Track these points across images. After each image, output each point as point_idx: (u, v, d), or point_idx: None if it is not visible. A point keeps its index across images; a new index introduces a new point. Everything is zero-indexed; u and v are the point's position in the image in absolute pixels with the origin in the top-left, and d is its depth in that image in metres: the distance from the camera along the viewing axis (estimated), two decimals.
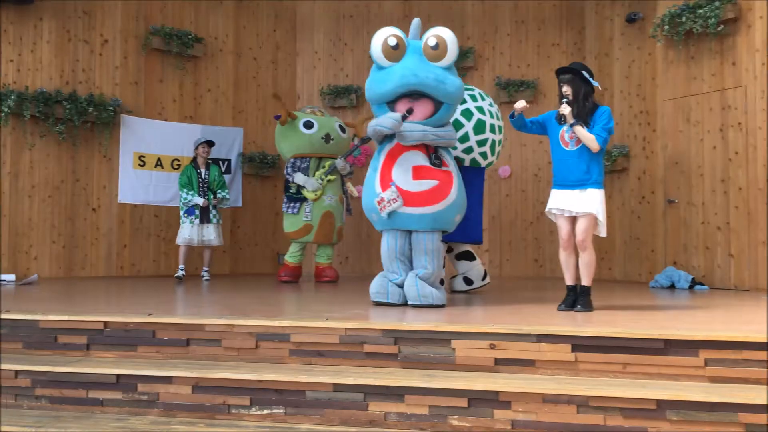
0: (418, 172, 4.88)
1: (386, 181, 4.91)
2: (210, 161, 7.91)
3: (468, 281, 6.34)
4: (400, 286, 4.99)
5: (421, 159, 4.91)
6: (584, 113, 4.72)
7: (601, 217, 4.69)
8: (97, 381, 3.74)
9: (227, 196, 7.89)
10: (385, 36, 4.92)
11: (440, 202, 4.87)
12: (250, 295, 5.79)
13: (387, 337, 3.82)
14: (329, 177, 7.54)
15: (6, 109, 7.46)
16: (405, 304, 4.94)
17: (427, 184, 4.86)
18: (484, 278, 6.39)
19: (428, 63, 4.89)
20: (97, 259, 8.21)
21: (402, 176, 4.88)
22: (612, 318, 4.27)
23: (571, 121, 4.69)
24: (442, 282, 5.35)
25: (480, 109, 6.05)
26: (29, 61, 7.86)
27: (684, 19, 7.27)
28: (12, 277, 7.21)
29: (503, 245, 9.28)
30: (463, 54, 9.29)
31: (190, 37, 8.84)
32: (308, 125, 7.59)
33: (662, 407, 3.27)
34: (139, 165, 8.43)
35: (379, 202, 4.90)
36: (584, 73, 4.75)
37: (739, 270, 6.94)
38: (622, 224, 8.34)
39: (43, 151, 7.89)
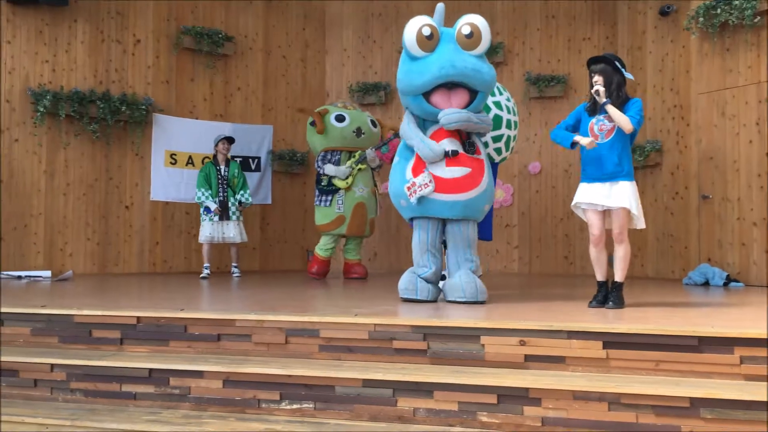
0: (451, 159, 4.84)
1: (420, 167, 4.87)
2: (231, 158, 7.92)
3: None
4: (429, 281, 4.97)
5: (455, 145, 4.87)
6: (617, 104, 4.64)
7: (636, 209, 4.60)
8: (131, 375, 3.80)
9: (249, 200, 7.83)
10: (419, 25, 4.88)
11: (472, 190, 4.83)
12: (279, 291, 5.83)
13: (416, 333, 3.81)
14: (360, 166, 7.53)
15: (42, 109, 7.62)
16: (434, 301, 4.93)
17: (459, 171, 4.81)
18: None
19: (463, 52, 4.85)
20: (130, 256, 8.35)
21: (436, 162, 4.85)
22: (644, 315, 4.21)
23: (604, 99, 4.59)
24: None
25: (498, 104, 5.97)
26: (64, 62, 8.02)
27: (719, 11, 7.12)
28: (48, 273, 7.37)
29: (533, 242, 9.20)
30: (493, 49, 9.20)
31: (220, 36, 8.93)
32: (340, 119, 7.63)
33: (696, 405, 3.21)
34: (171, 163, 8.54)
35: (409, 188, 4.84)
36: (616, 63, 4.68)
37: None
38: (655, 220, 8.20)
39: (78, 149, 8.05)
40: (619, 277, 4.72)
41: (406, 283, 4.98)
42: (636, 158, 8.23)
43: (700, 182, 7.62)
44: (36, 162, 7.79)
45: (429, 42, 4.85)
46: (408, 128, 5.02)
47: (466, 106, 4.91)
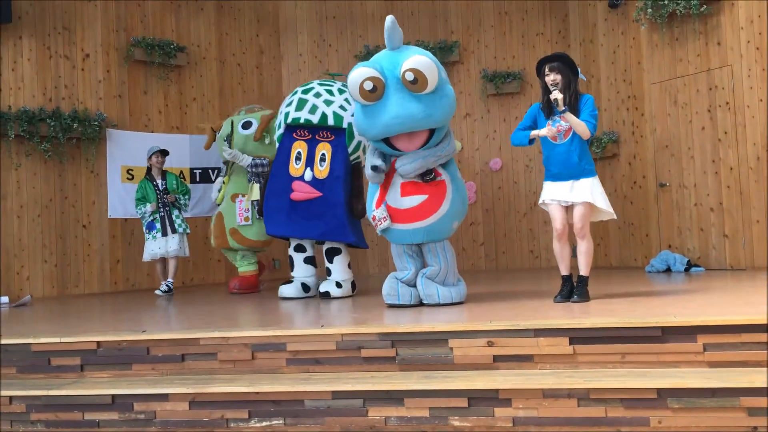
0: (405, 189, 4.83)
1: (381, 198, 4.93)
2: (166, 170, 7.58)
3: (306, 288, 6.23)
4: (410, 284, 4.97)
5: (381, 160, 4.94)
6: (573, 102, 4.69)
7: (601, 202, 4.69)
8: (93, 402, 3.70)
9: (184, 201, 7.47)
10: (360, 80, 4.58)
11: (432, 215, 4.80)
12: (245, 304, 5.75)
13: (384, 341, 3.79)
14: (225, 178, 7.41)
15: None
16: (420, 304, 4.92)
17: (417, 200, 4.79)
18: (308, 291, 6.24)
19: (412, 96, 4.59)
20: (90, 276, 8.16)
21: (392, 194, 4.87)
22: (609, 307, 4.25)
23: (563, 107, 4.63)
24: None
25: (342, 110, 6.05)
26: (11, 80, 7.79)
27: (666, 1, 7.24)
28: (5, 299, 7.15)
29: (498, 238, 9.25)
30: (448, 48, 9.25)
31: (172, 46, 8.77)
32: (246, 125, 7.24)
33: (663, 396, 3.25)
34: (128, 179, 8.36)
35: (372, 219, 4.94)
36: (568, 61, 4.74)
37: (734, 250, 6.93)
38: (615, 210, 8.26)
39: (30, 170, 7.83)
40: (583, 271, 4.79)
41: (387, 288, 4.98)
42: (594, 150, 8.33)
43: (657, 170, 7.74)
44: None
45: (374, 94, 4.61)
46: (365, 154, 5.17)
47: (425, 144, 4.79)
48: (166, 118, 8.87)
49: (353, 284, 6.22)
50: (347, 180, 6.05)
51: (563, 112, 4.63)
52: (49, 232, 7.93)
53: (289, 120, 6.11)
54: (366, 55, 9.38)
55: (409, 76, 4.50)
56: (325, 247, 6.15)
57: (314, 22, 9.88)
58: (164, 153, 7.54)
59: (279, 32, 9.96)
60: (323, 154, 6.02)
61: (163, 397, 3.66)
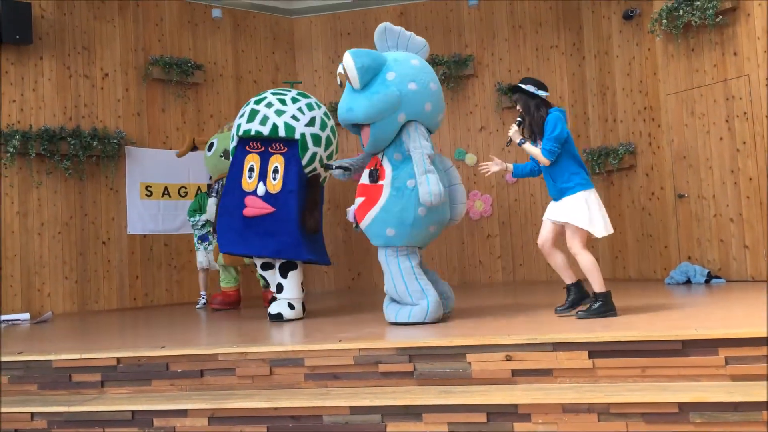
0: (358, 189, 5.06)
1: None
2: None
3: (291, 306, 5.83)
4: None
5: (364, 176, 5.05)
6: (539, 124, 4.71)
7: (580, 220, 4.57)
8: (113, 419, 3.72)
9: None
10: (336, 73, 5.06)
11: (365, 218, 4.90)
12: (262, 320, 5.77)
13: (402, 355, 3.78)
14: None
15: (11, 149, 7.52)
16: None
17: (358, 202, 5.00)
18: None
19: (349, 92, 4.91)
20: (110, 292, 8.23)
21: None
22: (628, 320, 4.21)
23: (518, 140, 4.75)
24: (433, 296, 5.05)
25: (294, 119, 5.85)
26: (32, 100, 7.93)
27: (681, 12, 7.22)
28: (26, 315, 7.23)
29: (515, 250, 9.21)
30: (462, 62, 9.29)
31: (189, 64, 8.89)
32: (209, 147, 7.33)
33: (684, 410, 3.21)
34: (146, 195, 8.46)
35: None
36: (527, 86, 4.73)
37: (755, 261, 6.84)
38: (633, 222, 8.26)
39: (51, 188, 7.94)
40: (594, 287, 4.63)
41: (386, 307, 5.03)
42: (610, 161, 8.30)
43: (675, 181, 7.69)
44: (8, 203, 7.67)
45: (343, 87, 5.11)
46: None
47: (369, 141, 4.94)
48: (183, 136, 8.96)
49: (303, 305, 5.86)
50: (301, 194, 5.71)
51: (521, 144, 4.74)
52: (70, 248, 8.02)
53: (240, 132, 5.78)
54: None
55: (339, 79, 5.05)
56: (278, 261, 5.78)
57: (329, 39, 9.96)
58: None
59: (294, 49, 10.05)
60: (276, 167, 5.70)
61: (183, 413, 3.67)
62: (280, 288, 5.73)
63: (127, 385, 4.00)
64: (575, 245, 4.63)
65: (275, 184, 5.64)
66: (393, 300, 4.96)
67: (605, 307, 4.55)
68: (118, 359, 4.03)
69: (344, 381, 3.81)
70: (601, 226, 4.60)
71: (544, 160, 4.64)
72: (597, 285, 4.61)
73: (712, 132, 7.26)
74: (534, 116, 4.71)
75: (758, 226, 6.81)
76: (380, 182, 4.85)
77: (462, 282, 9.27)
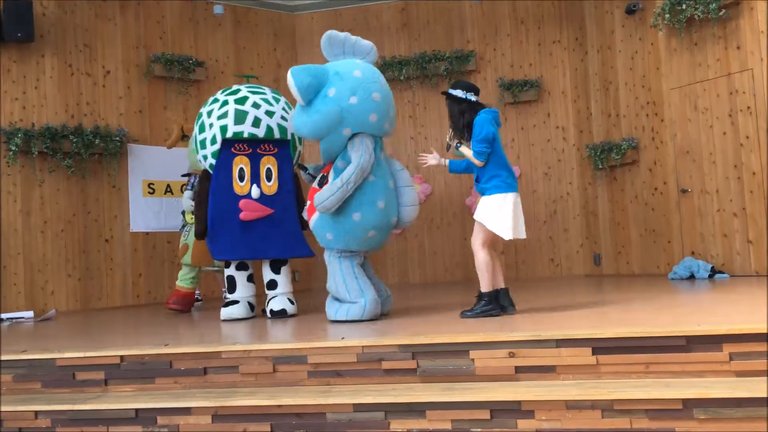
0: (309, 193, 5.20)
1: None
2: None
3: (252, 307, 5.87)
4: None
5: (316, 180, 5.21)
6: (462, 128, 4.80)
7: (488, 222, 4.68)
8: (117, 416, 3.72)
9: None
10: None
11: (310, 221, 5.11)
12: (263, 318, 5.77)
13: (405, 353, 3.77)
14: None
15: (14, 148, 7.52)
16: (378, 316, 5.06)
17: (307, 204, 5.15)
18: (254, 311, 5.91)
19: (301, 109, 4.98)
20: (113, 290, 8.25)
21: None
22: (632, 316, 4.20)
23: (454, 143, 4.82)
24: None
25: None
26: (34, 98, 7.93)
27: (684, 6, 7.19)
28: (30, 314, 7.25)
29: (518, 246, 9.21)
30: (465, 58, 9.27)
31: (191, 61, 8.89)
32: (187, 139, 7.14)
33: (688, 406, 3.20)
34: (149, 192, 8.46)
35: None
36: (455, 91, 4.80)
37: (759, 255, 6.82)
38: (636, 217, 8.24)
39: (53, 186, 7.95)
40: (482, 287, 4.82)
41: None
42: (613, 157, 8.28)
43: (678, 176, 7.67)
44: (11, 201, 7.68)
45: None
46: None
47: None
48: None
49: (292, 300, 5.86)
50: (297, 192, 5.86)
51: (458, 148, 4.81)
52: (73, 246, 8.03)
53: (229, 134, 5.62)
54: (382, 66, 9.42)
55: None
56: (267, 260, 5.76)
57: None
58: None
59: (296, 45, 10.04)
60: (269, 169, 5.70)
61: (186, 411, 3.67)
62: (272, 285, 5.74)
63: (130, 383, 4.01)
64: (476, 242, 4.79)
65: (270, 186, 5.69)
66: (335, 299, 5.09)
67: (488, 306, 4.74)
68: (122, 357, 4.03)
69: (347, 378, 3.81)
70: (509, 229, 4.67)
71: (477, 162, 4.73)
72: (484, 285, 4.78)
73: (716, 126, 7.24)
74: (458, 121, 4.81)
75: (762, 221, 6.79)
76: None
77: (465, 278, 9.27)
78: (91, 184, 8.21)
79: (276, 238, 5.61)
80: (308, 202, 5.18)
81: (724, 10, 6.93)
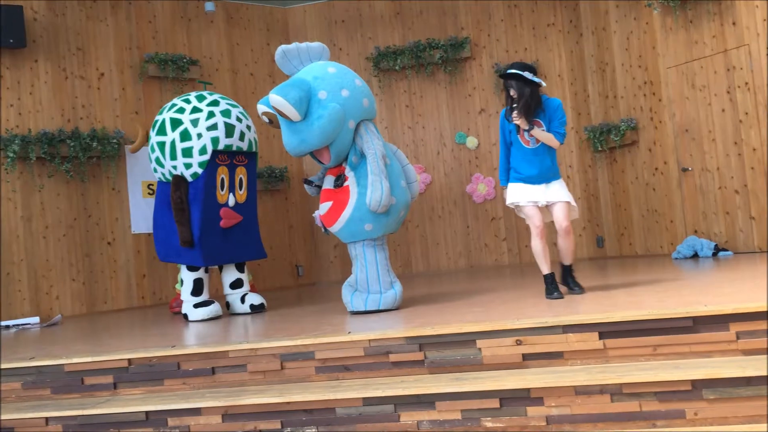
0: (322, 195, 5.26)
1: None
2: None
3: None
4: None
5: (327, 182, 5.24)
6: (532, 111, 4.79)
7: (573, 201, 4.87)
8: (127, 420, 3.73)
9: None
10: (260, 114, 5.12)
11: (337, 221, 5.04)
12: (270, 314, 5.78)
13: (411, 344, 3.78)
14: None
15: (11, 154, 7.51)
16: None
17: (325, 207, 5.15)
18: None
19: (288, 126, 4.98)
20: (117, 292, 8.25)
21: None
22: (637, 299, 4.20)
23: (526, 128, 4.79)
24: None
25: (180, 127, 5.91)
26: (29, 104, 7.90)
27: None
28: (36, 319, 7.26)
29: (520, 232, 9.20)
30: (459, 45, 9.23)
31: (185, 60, 8.85)
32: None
33: (698, 387, 3.20)
34: (149, 193, 8.45)
35: None
36: (525, 73, 4.76)
37: (762, 232, 6.82)
38: (638, 198, 8.22)
39: (53, 191, 7.94)
40: (570, 260, 4.99)
41: (343, 295, 5.27)
42: (612, 138, 8.26)
43: (679, 155, 7.65)
44: (12, 208, 7.67)
45: (273, 124, 5.23)
46: None
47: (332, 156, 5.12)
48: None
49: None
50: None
51: (529, 131, 4.78)
52: (75, 250, 8.03)
53: (221, 146, 5.86)
54: (377, 57, 9.38)
55: (265, 120, 5.12)
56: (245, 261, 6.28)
57: (324, 27, 9.90)
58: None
59: (289, 39, 9.98)
60: (240, 179, 6.09)
61: (196, 411, 3.68)
62: (239, 283, 6.20)
63: (139, 385, 4.01)
64: (570, 222, 4.87)
65: (241, 194, 6.11)
66: (355, 289, 5.16)
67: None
68: (130, 360, 4.04)
69: (356, 372, 3.81)
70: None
71: (556, 144, 4.83)
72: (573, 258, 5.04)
73: (714, 104, 7.21)
74: (528, 103, 4.76)
75: (763, 197, 6.78)
76: (345, 184, 5.04)
77: (469, 265, 9.27)
78: (90, 188, 8.20)
79: (247, 242, 6.10)
80: (324, 206, 5.16)
81: None
